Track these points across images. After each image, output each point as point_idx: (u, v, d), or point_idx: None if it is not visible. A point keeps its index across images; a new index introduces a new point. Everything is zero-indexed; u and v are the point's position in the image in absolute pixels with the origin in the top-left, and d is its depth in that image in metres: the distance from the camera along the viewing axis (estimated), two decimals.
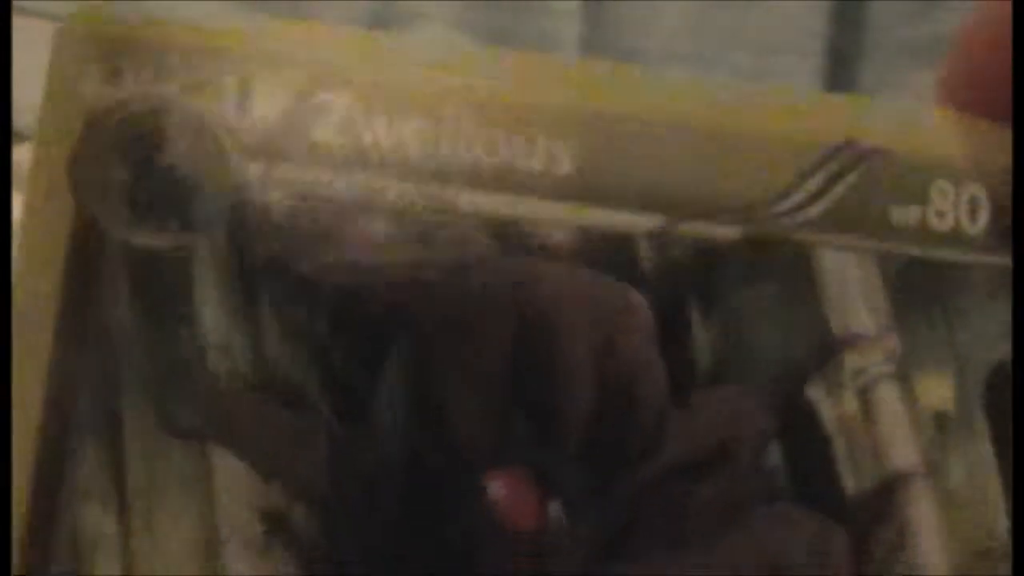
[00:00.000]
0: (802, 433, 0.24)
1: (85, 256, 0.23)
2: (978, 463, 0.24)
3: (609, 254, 0.24)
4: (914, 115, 0.25)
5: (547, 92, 0.24)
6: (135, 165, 0.23)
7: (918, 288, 0.24)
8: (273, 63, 0.23)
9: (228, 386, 0.23)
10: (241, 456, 0.23)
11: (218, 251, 0.23)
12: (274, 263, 0.23)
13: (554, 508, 0.23)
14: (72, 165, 0.23)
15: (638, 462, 0.23)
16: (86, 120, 0.23)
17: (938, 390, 0.24)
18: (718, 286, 0.24)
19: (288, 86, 0.23)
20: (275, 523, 0.23)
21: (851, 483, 0.24)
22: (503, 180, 0.23)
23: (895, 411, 0.24)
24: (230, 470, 0.23)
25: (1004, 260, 0.24)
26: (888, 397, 0.24)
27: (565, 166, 0.24)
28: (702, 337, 0.24)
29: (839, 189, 0.24)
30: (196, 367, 0.23)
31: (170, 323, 0.23)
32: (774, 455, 0.24)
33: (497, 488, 0.23)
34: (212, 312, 0.23)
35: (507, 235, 0.24)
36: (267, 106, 0.23)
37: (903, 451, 0.24)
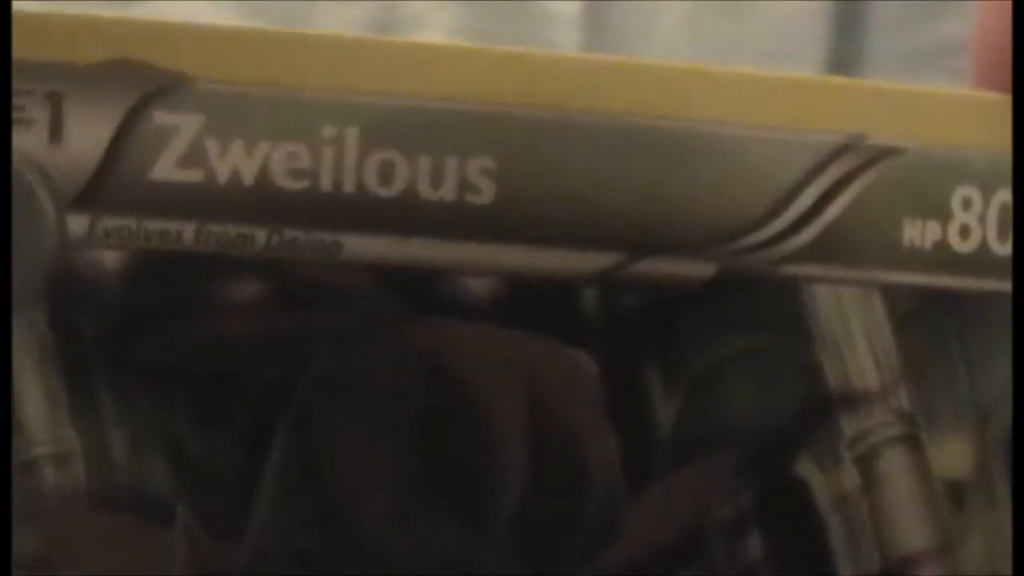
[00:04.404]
0: (789, 516, 0.19)
1: None
2: (998, 537, 0.19)
3: (543, 306, 0.19)
4: (932, 101, 0.19)
5: (457, 90, 0.18)
6: None
7: (933, 328, 0.19)
8: (91, 72, 0.18)
9: (66, 501, 0.18)
10: None
11: (37, 333, 0.18)
12: (112, 344, 0.18)
13: None
14: None
15: (587, 557, 0.19)
16: None
17: (955, 454, 0.19)
18: (683, 340, 0.19)
19: (114, 103, 0.18)
20: None
21: (849, 572, 0.19)
22: (403, 217, 0.18)
23: (903, 484, 0.19)
24: None
25: None
26: (895, 467, 0.19)
27: (484, 193, 0.18)
28: (663, 405, 0.19)
29: (839, 204, 0.19)
30: (26, 481, 0.18)
31: None
32: (755, 544, 0.19)
33: None
34: (37, 412, 0.18)
35: (410, 288, 0.18)
36: (87, 134, 0.18)
37: (912, 530, 0.19)
